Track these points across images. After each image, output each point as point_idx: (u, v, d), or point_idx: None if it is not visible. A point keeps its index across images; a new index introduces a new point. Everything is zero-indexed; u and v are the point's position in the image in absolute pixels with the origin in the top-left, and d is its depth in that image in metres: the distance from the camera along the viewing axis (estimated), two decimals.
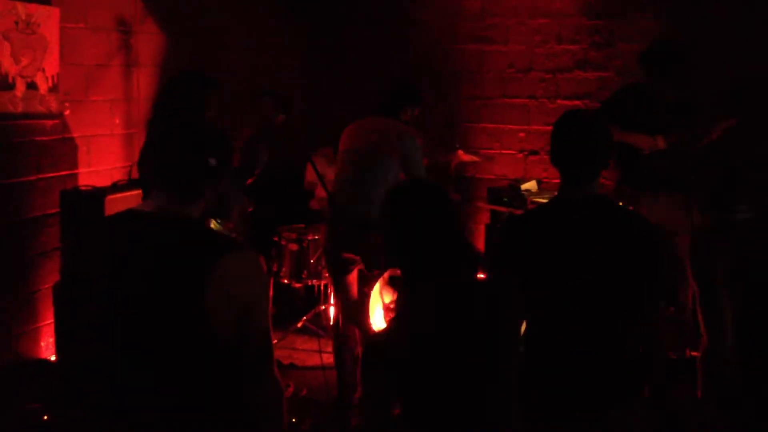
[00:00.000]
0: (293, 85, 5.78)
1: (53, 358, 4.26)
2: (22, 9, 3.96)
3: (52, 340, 4.26)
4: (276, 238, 5.16)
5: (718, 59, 5.07)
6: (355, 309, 4.10)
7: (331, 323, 5.18)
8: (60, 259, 4.22)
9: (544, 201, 5.24)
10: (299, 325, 5.22)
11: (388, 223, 2.23)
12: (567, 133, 2.48)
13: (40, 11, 4.06)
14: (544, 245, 2.43)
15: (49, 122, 4.23)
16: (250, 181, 3.69)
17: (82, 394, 2.03)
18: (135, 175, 4.47)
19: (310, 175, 5.42)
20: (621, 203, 3.93)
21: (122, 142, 4.74)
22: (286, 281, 5.17)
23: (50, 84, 4.16)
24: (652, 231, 2.45)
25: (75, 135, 4.40)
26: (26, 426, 3.58)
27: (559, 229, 2.45)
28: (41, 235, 4.23)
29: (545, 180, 5.83)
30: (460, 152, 5.31)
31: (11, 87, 3.96)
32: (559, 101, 5.97)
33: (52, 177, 4.26)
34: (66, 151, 4.35)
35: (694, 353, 3.68)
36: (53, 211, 4.24)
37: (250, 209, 4.80)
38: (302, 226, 5.26)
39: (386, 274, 3.73)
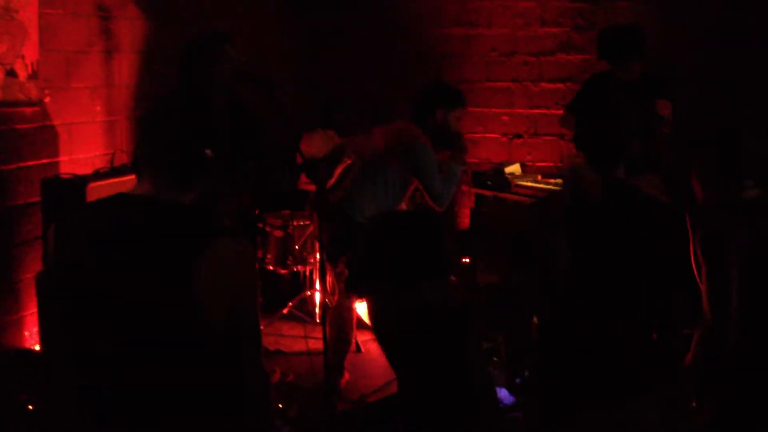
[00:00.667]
0: (279, 70, 5.74)
1: (37, 347, 4.23)
2: None
3: (36, 329, 4.23)
4: (261, 225, 5.14)
5: (700, 40, 5.09)
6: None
7: (318, 306, 5.20)
8: (42, 248, 4.18)
9: (529, 185, 5.32)
10: (285, 311, 5.21)
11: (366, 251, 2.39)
12: (594, 118, 2.57)
13: None
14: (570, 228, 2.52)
15: (29, 110, 4.18)
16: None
17: (68, 382, 2.00)
18: (117, 162, 4.45)
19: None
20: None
21: (103, 129, 4.69)
22: (271, 268, 5.16)
23: (30, 71, 4.11)
24: (676, 213, 2.55)
25: (55, 122, 4.35)
26: (12, 416, 3.56)
27: (582, 213, 2.53)
28: (23, 224, 4.18)
29: (529, 163, 5.83)
30: None
31: None
32: (542, 84, 5.97)
33: (33, 165, 4.21)
34: (46, 138, 4.30)
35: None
36: (34, 200, 4.19)
37: (257, 211, 4.76)
38: (288, 212, 5.25)
39: None
